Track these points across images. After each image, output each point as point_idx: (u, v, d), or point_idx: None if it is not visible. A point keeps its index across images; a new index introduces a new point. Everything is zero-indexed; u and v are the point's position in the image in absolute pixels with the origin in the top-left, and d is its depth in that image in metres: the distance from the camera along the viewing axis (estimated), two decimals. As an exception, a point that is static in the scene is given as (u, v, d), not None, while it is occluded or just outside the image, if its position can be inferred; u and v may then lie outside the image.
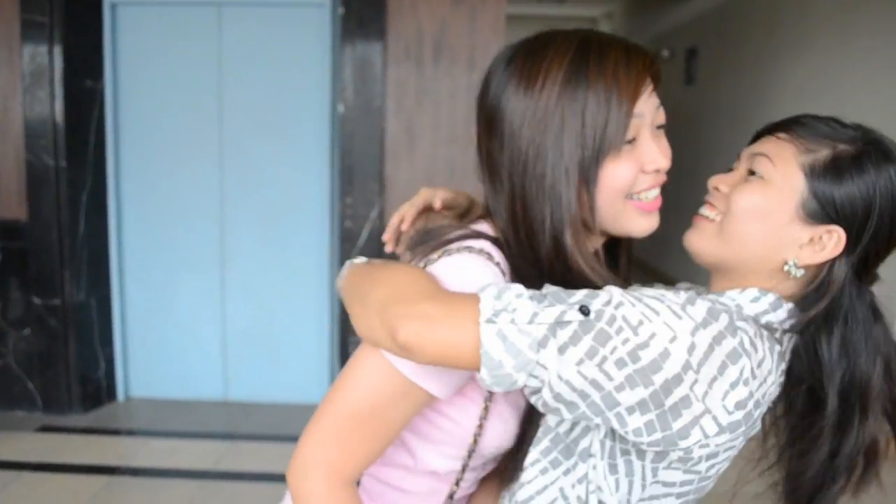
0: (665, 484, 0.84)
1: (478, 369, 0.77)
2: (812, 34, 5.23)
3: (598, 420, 0.78)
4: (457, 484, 0.97)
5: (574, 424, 0.87)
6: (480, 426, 0.91)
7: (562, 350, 0.74)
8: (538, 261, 0.87)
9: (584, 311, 0.75)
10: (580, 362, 0.74)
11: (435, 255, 0.87)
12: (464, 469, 0.96)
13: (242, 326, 4.14)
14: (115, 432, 3.79)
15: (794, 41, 5.47)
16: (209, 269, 4.10)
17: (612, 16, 10.04)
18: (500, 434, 0.93)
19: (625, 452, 0.83)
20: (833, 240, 0.84)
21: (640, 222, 0.92)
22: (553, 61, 0.86)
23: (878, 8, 4.38)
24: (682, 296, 0.79)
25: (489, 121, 0.89)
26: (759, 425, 0.85)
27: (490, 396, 0.90)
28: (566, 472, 0.87)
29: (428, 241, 0.90)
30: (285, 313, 4.11)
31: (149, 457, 3.49)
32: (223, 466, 3.38)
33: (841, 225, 0.84)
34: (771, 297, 0.87)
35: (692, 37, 7.61)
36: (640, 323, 0.75)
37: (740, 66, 6.42)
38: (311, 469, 0.86)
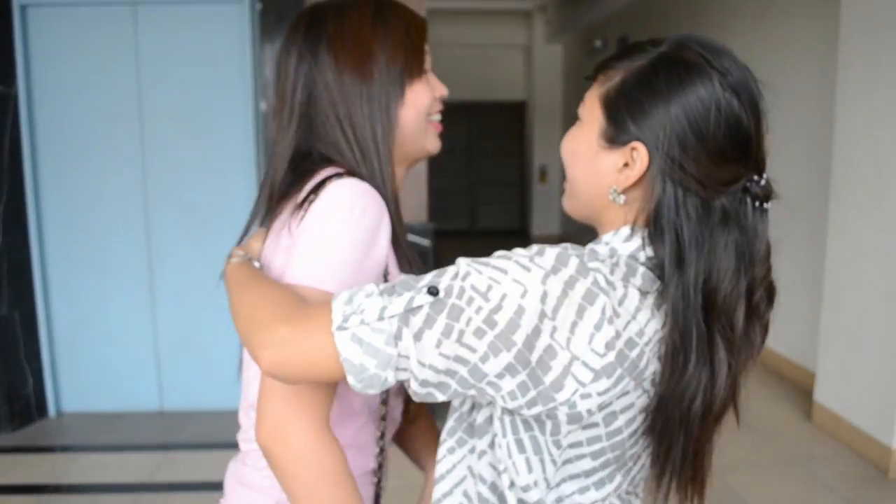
0: (572, 446, 0.82)
1: (340, 374, 0.78)
2: (733, 18, 5.34)
3: (472, 392, 0.78)
4: (384, 403, 1.07)
5: (474, 403, 0.87)
6: None
7: (417, 336, 0.75)
8: (371, 176, 1.01)
9: (433, 291, 0.76)
10: (438, 343, 0.75)
11: (313, 195, 0.95)
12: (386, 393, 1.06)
13: (174, 334, 4.04)
14: (46, 449, 3.66)
15: (716, 26, 5.58)
16: (137, 277, 3.99)
17: (545, 8, 10.11)
18: None
19: (528, 427, 0.81)
20: (637, 156, 0.83)
21: (435, 141, 1.11)
22: (360, 12, 1.03)
23: (795, -10, 4.49)
24: (534, 248, 0.80)
25: (313, 70, 1.02)
26: (649, 366, 0.81)
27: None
28: (471, 451, 0.88)
29: (291, 191, 1.00)
30: (218, 318, 4.01)
31: (81, 473, 3.38)
32: (159, 478, 3.30)
33: (642, 140, 0.82)
34: (625, 231, 0.86)
35: (622, 26, 7.71)
36: (490, 287, 0.75)
37: (668, 52, 6.54)
38: (288, 422, 0.87)
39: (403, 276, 0.81)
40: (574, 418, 0.78)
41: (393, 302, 0.76)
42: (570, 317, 0.75)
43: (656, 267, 0.82)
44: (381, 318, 0.76)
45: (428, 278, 0.79)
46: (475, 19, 10.02)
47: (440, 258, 4.08)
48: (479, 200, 11.14)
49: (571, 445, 0.82)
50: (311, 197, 0.94)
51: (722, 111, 0.80)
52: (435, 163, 3.79)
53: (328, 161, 1.02)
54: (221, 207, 3.93)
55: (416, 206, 3.61)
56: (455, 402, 0.90)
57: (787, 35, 4.62)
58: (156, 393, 4.09)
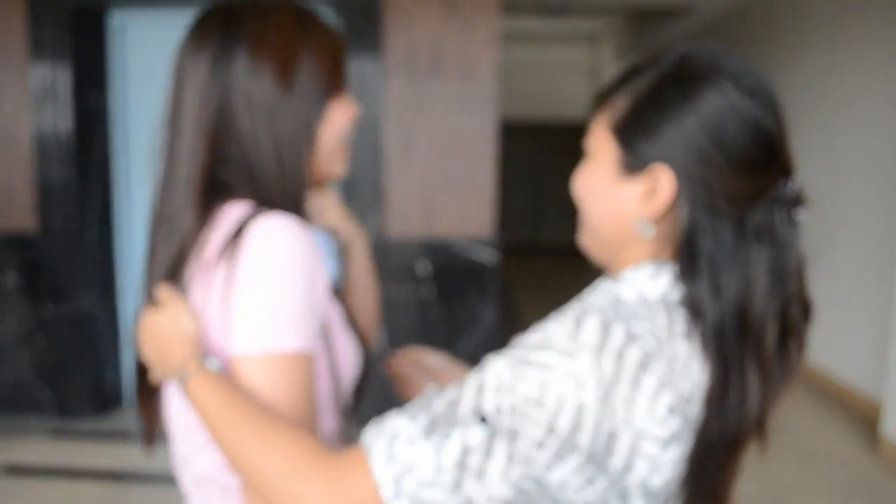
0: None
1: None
2: (805, 44, 5.32)
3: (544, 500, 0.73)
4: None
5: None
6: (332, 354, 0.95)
7: (479, 476, 0.69)
8: (286, 201, 0.91)
9: (483, 420, 0.70)
10: (505, 474, 0.69)
11: (236, 241, 0.86)
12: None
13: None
14: (126, 438, 3.88)
15: (789, 51, 5.56)
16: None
17: (614, 31, 10.15)
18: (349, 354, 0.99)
19: None
20: (661, 182, 0.76)
21: (343, 165, 1.00)
22: (284, 15, 0.92)
23: (869, 16, 4.46)
24: (568, 322, 0.73)
25: (227, 79, 0.90)
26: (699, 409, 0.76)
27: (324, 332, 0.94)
28: None
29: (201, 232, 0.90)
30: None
31: (158, 462, 3.56)
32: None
33: (665, 163, 0.76)
34: (648, 268, 0.79)
35: (689, 46, 7.70)
36: (542, 393, 0.69)
37: (737, 76, 6.52)
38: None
39: (437, 402, 0.73)
40: (649, 494, 0.73)
41: (444, 448, 0.69)
42: (625, 392, 0.69)
43: (692, 302, 0.75)
44: (438, 472, 0.69)
45: (468, 402, 0.70)
46: (542, 42, 10.14)
47: (505, 273, 4.17)
48: (544, 217, 11.16)
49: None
50: (236, 243, 0.85)
51: (740, 117, 0.75)
52: (501, 178, 3.90)
53: (229, 189, 0.92)
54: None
55: (480, 220, 3.71)
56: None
57: (860, 57, 4.58)
58: (226, 391, 4.27)
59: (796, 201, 0.77)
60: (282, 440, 0.76)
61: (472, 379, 0.72)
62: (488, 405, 0.70)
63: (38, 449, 3.68)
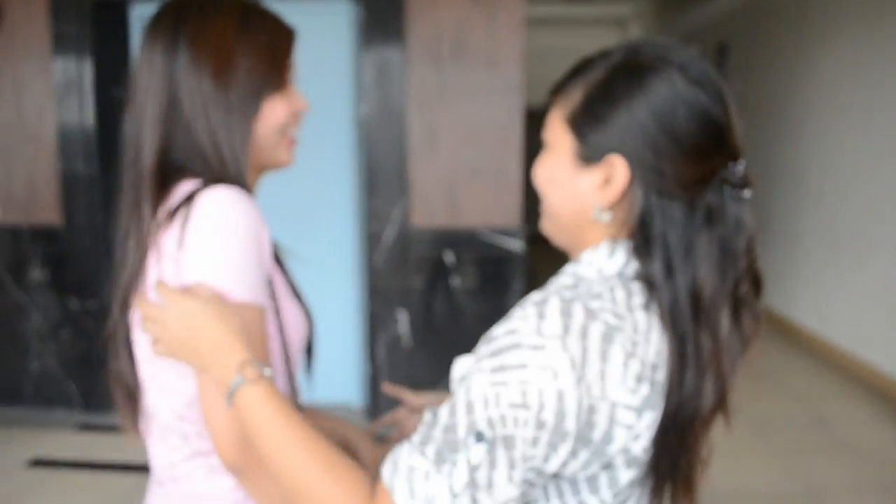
0: (624, 485, 0.81)
1: None
2: (841, 26, 5.14)
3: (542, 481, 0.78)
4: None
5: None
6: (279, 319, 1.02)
7: (489, 488, 0.73)
8: (231, 180, 0.96)
9: (480, 437, 0.73)
10: (510, 478, 0.73)
11: (185, 205, 0.92)
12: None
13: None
14: (151, 432, 3.87)
15: (824, 34, 5.38)
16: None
17: (643, 15, 9.97)
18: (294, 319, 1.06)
19: (574, 491, 0.79)
20: (616, 169, 0.80)
21: (288, 155, 1.07)
22: (226, 16, 0.98)
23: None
24: (531, 311, 0.76)
25: (174, 70, 0.96)
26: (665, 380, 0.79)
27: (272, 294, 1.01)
28: None
29: (141, 204, 0.96)
30: (320, 316, 4.15)
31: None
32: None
33: (618, 152, 0.79)
34: (605, 247, 0.83)
35: (723, 33, 7.53)
36: (523, 393, 0.72)
37: (770, 60, 6.34)
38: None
39: (437, 431, 0.76)
40: (632, 462, 0.77)
41: (453, 476, 0.73)
42: (596, 367, 0.73)
43: (645, 279, 0.79)
44: (454, 497, 0.73)
45: (463, 423, 0.74)
46: (570, 27, 9.97)
47: (532, 263, 4.10)
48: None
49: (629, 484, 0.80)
50: (185, 207, 0.91)
51: (688, 106, 0.78)
52: (528, 166, 3.81)
53: (183, 171, 0.98)
54: (318, 209, 4.06)
55: (507, 209, 3.64)
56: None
57: (894, 39, 4.42)
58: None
59: (744, 182, 0.81)
60: (325, 466, 0.81)
61: (461, 399, 0.75)
62: (481, 422, 0.73)
63: (64, 442, 3.69)
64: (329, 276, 4.10)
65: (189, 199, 0.92)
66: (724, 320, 0.79)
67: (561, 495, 0.79)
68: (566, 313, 0.74)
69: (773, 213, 6.29)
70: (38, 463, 3.45)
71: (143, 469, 3.38)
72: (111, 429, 3.86)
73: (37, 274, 3.97)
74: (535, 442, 0.72)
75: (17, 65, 3.84)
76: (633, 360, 0.75)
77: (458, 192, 3.69)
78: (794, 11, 5.97)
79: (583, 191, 0.82)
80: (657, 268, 0.78)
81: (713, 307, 0.78)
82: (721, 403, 0.81)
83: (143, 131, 0.97)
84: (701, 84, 0.79)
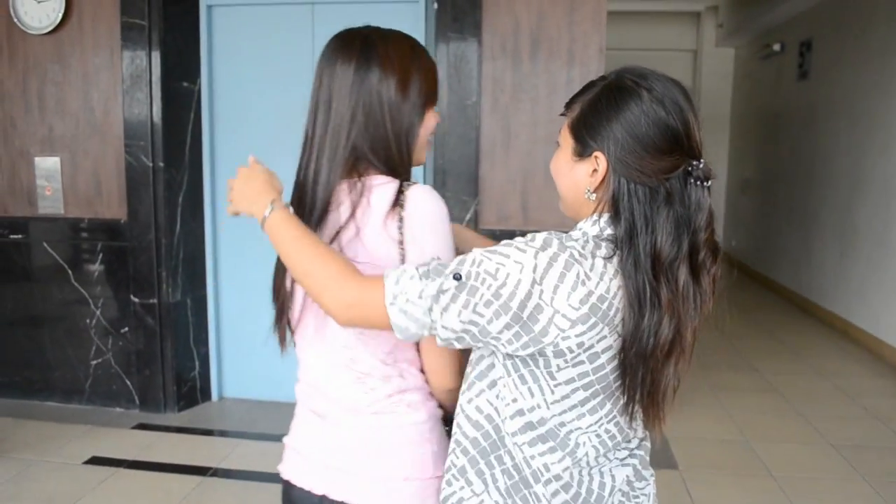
0: (567, 382, 1.06)
1: (389, 328, 1.06)
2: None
3: (479, 344, 1.07)
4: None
5: (487, 363, 1.13)
6: None
7: (445, 310, 1.03)
8: (406, 175, 1.25)
9: (457, 277, 1.03)
10: (459, 314, 1.03)
11: (401, 197, 1.20)
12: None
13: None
14: (209, 432, 3.80)
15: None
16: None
17: (717, 9, 9.58)
18: None
19: (525, 364, 1.07)
20: (600, 162, 1.09)
21: (424, 156, 1.32)
22: (402, 44, 1.28)
23: None
24: (529, 236, 1.06)
25: (366, 83, 1.22)
26: (618, 315, 1.04)
27: None
28: (480, 392, 1.14)
29: (365, 193, 1.22)
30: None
31: (241, 459, 3.47)
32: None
33: (600, 149, 1.09)
34: (592, 218, 1.12)
35: (807, 29, 7.14)
36: (497, 269, 1.02)
37: (862, 58, 5.95)
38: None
39: (435, 262, 1.08)
40: (559, 354, 1.03)
41: (427, 286, 1.04)
42: (553, 281, 1.01)
43: (615, 241, 1.06)
44: (420, 298, 1.03)
45: (454, 265, 1.05)
46: (642, 21, 9.64)
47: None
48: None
49: (567, 382, 1.06)
50: (401, 199, 1.19)
51: (650, 117, 1.06)
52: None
53: (366, 158, 1.23)
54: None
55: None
56: (473, 358, 1.18)
57: None
58: (311, 386, 4.15)
59: (706, 175, 1.06)
60: (332, 261, 1.10)
61: (459, 257, 1.07)
62: (464, 270, 1.04)
63: (121, 440, 3.63)
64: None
65: (400, 192, 1.19)
66: (682, 277, 1.05)
67: (517, 371, 1.08)
68: (548, 242, 1.04)
69: (858, 225, 5.92)
70: (96, 461, 3.39)
71: (198, 470, 3.33)
72: (167, 428, 3.79)
73: (98, 269, 3.92)
74: (487, 304, 1.01)
75: (85, 56, 3.79)
76: (582, 287, 1.01)
77: (531, 193, 3.51)
78: (884, 6, 5.59)
79: (578, 178, 1.13)
80: (621, 231, 1.06)
81: (671, 266, 1.04)
82: (679, 339, 1.07)
83: (336, 128, 1.22)
84: (662, 102, 1.06)
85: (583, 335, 1.01)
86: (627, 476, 1.17)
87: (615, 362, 1.06)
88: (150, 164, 3.75)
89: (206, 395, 4.16)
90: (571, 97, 1.16)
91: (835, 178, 6.43)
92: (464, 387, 1.17)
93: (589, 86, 1.14)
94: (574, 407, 1.08)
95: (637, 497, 1.20)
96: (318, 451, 1.27)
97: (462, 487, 1.14)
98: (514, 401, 1.08)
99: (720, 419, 4.10)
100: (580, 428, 1.09)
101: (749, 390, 4.62)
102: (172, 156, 3.81)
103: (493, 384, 1.11)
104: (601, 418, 1.10)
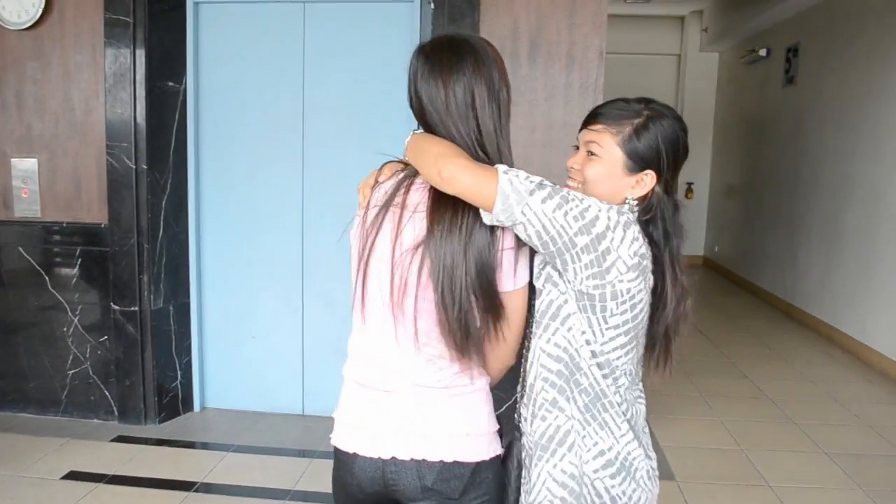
0: (615, 327, 1.30)
1: (489, 205, 1.23)
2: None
3: (559, 260, 1.26)
4: None
5: (558, 304, 1.33)
6: None
7: (543, 200, 1.22)
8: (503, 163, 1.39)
9: (556, 191, 1.24)
10: (554, 210, 1.22)
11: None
12: None
13: (321, 338, 3.98)
14: (192, 445, 3.66)
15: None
16: (288, 277, 3.95)
17: (702, 14, 9.59)
18: None
19: (585, 310, 1.29)
20: (648, 178, 1.37)
21: None
22: (500, 64, 1.41)
23: None
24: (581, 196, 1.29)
25: (480, 89, 1.35)
26: (649, 278, 1.32)
27: None
28: (555, 331, 1.35)
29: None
30: (366, 325, 3.92)
31: (226, 472, 3.34)
32: (303, 486, 3.21)
33: (650, 168, 1.36)
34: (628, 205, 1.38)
35: (794, 34, 7.14)
36: (582, 200, 1.25)
37: (849, 64, 5.95)
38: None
39: (538, 177, 1.27)
40: (615, 296, 1.27)
41: (531, 178, 1.24)
42: (620, 233, 1.24)
43: (649, 237, 1.35)
44: (526, 179, 1.23)
45: (551, 185, 1.27)
46: (627, 24, 9.61)
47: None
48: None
49: (615, 327, 1.30)
50: None
51: (681, 141, 1.38)
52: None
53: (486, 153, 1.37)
54: (376, 212, 3.81)
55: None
56: (544, 305, 1.36)
57: None
58: (299, 396, 4.04)
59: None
60: (461, 155, 1.28)
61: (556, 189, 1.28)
62: (560, 191, 1.25)
63: (99, 454, 3.49)
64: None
65: None
66: (680, 273, 1.38)
67: (584, 311, 1.30)
68: (610, 206, 1.28)
69: (845, 231, 5.92)
70: (74, 476, 3.25)
71: (182, 485, 3.21)
72: (148, 441, 3.66)
73: (76, 274, 3.77)
74: (576, 218, 1.22)
75: (66, 54, 3.65)
76: (635, 243, 1.26)
77: (526, 200, 3.42)
78: (873, 12, 5.59)
79: (623, 187, 1.37)
80: (658, 234, 1.36)
81: (680, 260, 1.38)
82: (683, 316, 1.40)
83: (457, 124, 1.34)
84: (684, 129, 1.39)
85: (632, 282, 1.27)
86: (643, 412, 1.44)
87: (644, 315, 1.34)
88: (133, 167, 3.61)
89: (188, 405, 4.03)
90: (608, 112, 1.38)
91: (821, 184, 6.43)
92: (538, 331, 1.35)
93: (627, 110, 1.37)
94: (616, 348, 1.32)
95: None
96: (384, 423, 1.38)
97: (556, 416, 1.34)
98: (583, 333, 1.31)
99: (714, 427, 4.05)
100: (619, 365, 1.34)
101: (741, 397, 4.58)
102: (156, 158, 3.67)
103: (565, 320, 1.32)
104: (630, 359, 1.35)
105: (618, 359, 1.32)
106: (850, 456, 3.70)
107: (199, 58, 3.81)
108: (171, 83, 3.71)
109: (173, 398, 3.93)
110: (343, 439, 1.43)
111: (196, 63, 3.80)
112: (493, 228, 1.29)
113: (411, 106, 1.41)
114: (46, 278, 3.80)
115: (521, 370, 1.44)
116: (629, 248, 1.24)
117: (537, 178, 1.24)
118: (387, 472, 1.37)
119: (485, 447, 1.39)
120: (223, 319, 4.03)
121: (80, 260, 3.76)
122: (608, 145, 1.35)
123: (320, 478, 3.30)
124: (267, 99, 3.82)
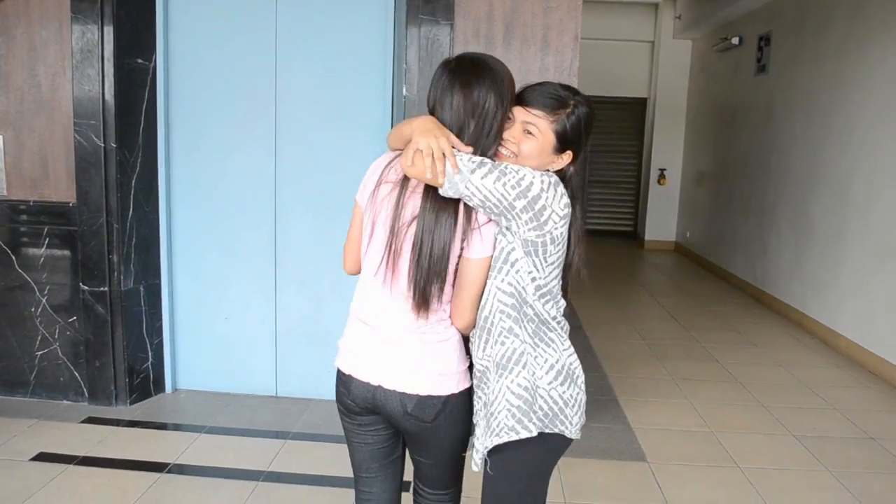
0: (551, 264, 1.61)
1: (440, 184, 1.54)
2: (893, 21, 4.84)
3: (501, 219, 1.57)
4: None
5: (507, 251, 1.60)
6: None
7: (483, 176, 1.52)
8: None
9: (495, 167, 1.55)
10: (494, 182, 1.52)
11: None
12: None
13: (294, 319, 3.96)
14: (163, 426, 3.63)
15: (884, 27, 5.08)
16: (261, 258, 3.91)
17: (675, 1, 9.63)
18: None
19: (529, 254, 1.58)
20: (566, 157, 1.68)
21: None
22: (511, 83, 1.67)
23: None
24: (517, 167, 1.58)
25: (501, 104, 1.62)
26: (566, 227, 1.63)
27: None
28: (507, 273, 1.61)
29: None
30: (338, 308, 3.90)
31: (199, 454, 3.32)
32: (276, 467, 3.20)
33: (570, 148, 1.67)
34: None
35: (766, 23, 7.21)
36: (518, 171, 1.54)
37: (821, 54, 6.02)
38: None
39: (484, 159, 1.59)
40: (553, 241, 1.58)
41: (473, 159, 1.55)
42: (552, 192, 1.55)
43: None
44: (470, 161, 1.53)
45: (489, 161, 1.57)
46: (600, 10, 9.63)
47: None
48: (590, 199, 10.77)
49: (551, 264, 1.61)
50: None
51: (592, 125, 1.70)
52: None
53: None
54: (351, 193, 3.78)
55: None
56: (496, 254, 1.63)
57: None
58: (272, 377, 4.02)
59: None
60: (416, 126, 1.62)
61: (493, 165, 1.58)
62: (497, 164, 1.58)
63: (70, 435, 3.45)
64: (358, 268, 3.84)
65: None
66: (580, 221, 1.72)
67: (528, 255, 1.58)
68: (540, 173, 1.59)
69: (814, 219, 6.01)
70: (43, 457, 3.21)
71: (154, 466, 3.18)
72: (119, 422, 3.62)
73: (44, 254, 3.71)
74: (513, 187, 1.52)
75: (31, 28, 3.56)
76: (563, 198, 1.59)
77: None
78: (843, 2, 5.66)
79: (548, 162, 1.67)
80: (569, 191, 1.65)
81: (584, 214, 1.72)
82: (582, 249, 1.73)
83: (489, 130, 1.61)
84: (593, 109, 1.70)
85: (563, 227, 1.59)
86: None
87: (563, 251, 1.64)
88: (102, 145, 3.55)
89: (159, 386, 3.99)
90: (549, 103, 1.63)
91: (791, 172, 6.51)
92: (493, 273, 1.62)
93: (564, 100, 1.64)
94: (554, 279, 1.64)
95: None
96: (373, 354, 1.72)
97: (513, 341, 1.63)
98: (529, 272, 1.59)
99: (684, 410, 4.11)
100: (553, 288, 1.65)
101: (711, 381, 4.65)
102: (125, 136, 3.61)
103: (514, 264, 1.59)
104: (558, 284, 1.67)
105: (555, 286, 1.65)
106: (818, 438, 3.77)
107: (170, 35, 3.75)
108: (140, 60, 3.64)
109: (144, 379, 3.89)
110: (344, 363, 1.79)
111: (166, 41, 3.74)
112: (468, 208, 1.59)
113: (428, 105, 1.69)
114: (13, 258, 3.73)
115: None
116: (560, 202, 1.56)
117: (478, 159, 1.54)
118: (376, 395, 1.72)
119: (454, 384, 1.72)
120: (195, 300, 3.99)
121: (47, 239, 3.69)
122: (544, 129, 1.63)
123: (294, 459, 3.29)
124: (239, 80, 3.77)
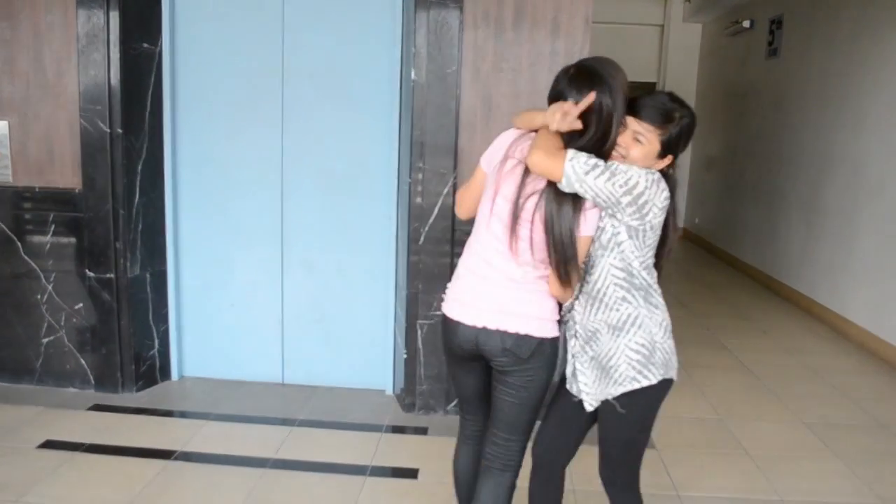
0: (649, 247, 1.90)
1: (559, 182, 1.80)
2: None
3: (609, 210, 1.83)
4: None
5: (615, 233, 1.88)
6: None
7: (595, 177, 1.77)
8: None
9: (607, 168, 1.80)
10: (605, 182, 1.77)
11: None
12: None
13: (301, 305, 3.94)
14: (169, 413, 3.62)
15: (892, 7, 4.99)
16: (268, 243, 3.89)
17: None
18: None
19: (632, 237, 1.86)
20: (668, 159, 1.91)
21: None
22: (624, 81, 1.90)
23: None
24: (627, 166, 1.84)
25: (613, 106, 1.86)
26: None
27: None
28: (617, 253, 1.90)
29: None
30: (346, 293, 3.88)
31: (206, 441, 3.31)
32: (283, 455, 3.18)
33: (671, 154, 1.90)
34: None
35: (778, 5, 7.11)
36: (626, 171, 1.79)
37: (833, 37, 5.94)
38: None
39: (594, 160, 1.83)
40: (653, 227, 1.86)
41: (588, 161, 1.78)
42: (655, 188, 1.81)
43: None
44: (586, 164, 1.78)
45: (603, 163, 1.82)
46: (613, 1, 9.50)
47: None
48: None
49: (649, 247, 1.90)
50: None
51: (692, 132, 1.93)
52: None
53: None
54: (359, 180, 3.76)
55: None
56: (604, 241, 1.90)
57: None
58: (278, 364, 4.00)
59: None
60: (541, 147, 1.82)
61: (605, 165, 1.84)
62: (609, 165, 1.82)
63: (76, 423, 3.44)
64: (368, 254, 3.82)
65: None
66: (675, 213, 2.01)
67: (632, 238, 1.87)
68: (649, 174, 1.83)
69: (825, 205, 5.94)
70: (50, 445, 3.21)
71: (161, 454, 3.17)
72: (125, 410, 3.61)
73: (50, 241, 3.69)
74: (620, 186, 1.77)
75: (36, 13, 3.53)
76: (665, 192, 1.85)
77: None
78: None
79: (652, 164, 1.88)
80: (672, 186, 1.91)
81: (675, 208, 1.97)
82: (675, 233, 2.00)
83: (601, 129, 1.85)
84: (696, 120, 1.95)
85: (661, 217, 1.86)
86: None
87: (659, 234, 1.91)
88: (108, 131, 3.52)
89: (165, 374, 3.98)
90: (658, 118, 1.87)
91: (803, 157, 6.44)
92: (605, 253, 1.90)
93: (671, 114, 1.87)
94: (650, 256, 1.92)
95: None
96: (479, 301, 1.95)
97: (628, 305, 1.91)
98: (633, 251, 1.87)
99: (694, 397, 4.08)
100: (650, 262, 1.93)
101: (720, 368, 4.62)
102: (131, 122, 3.58)
103: (620, 244, 1.87)
104: (653, 260, 1.96)
105: (652, 261, 1.94)
106: (827, 425, 3.74)
107: (176, 18, 3.71)
108: (146, 44, 3.61)
109: (150, 366, 3.88)
110: (452, 310, 2.00)
111: (172, 24, 3.70)
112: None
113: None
114: (19, 245, 3.71)
115: (583, 281, 1.99)
116: (661, 196, 1.83)
117: (593, 161, 1.78)
118: (479, 336, 1.94)
119: (548, 329, 1.96)
120: (201, 287, 3.97)
121: (53, 226, 3.68)
122: (651, 139, 1.87)
123: (301, 446, 3.28)
124: (245, 62, 3.73)
